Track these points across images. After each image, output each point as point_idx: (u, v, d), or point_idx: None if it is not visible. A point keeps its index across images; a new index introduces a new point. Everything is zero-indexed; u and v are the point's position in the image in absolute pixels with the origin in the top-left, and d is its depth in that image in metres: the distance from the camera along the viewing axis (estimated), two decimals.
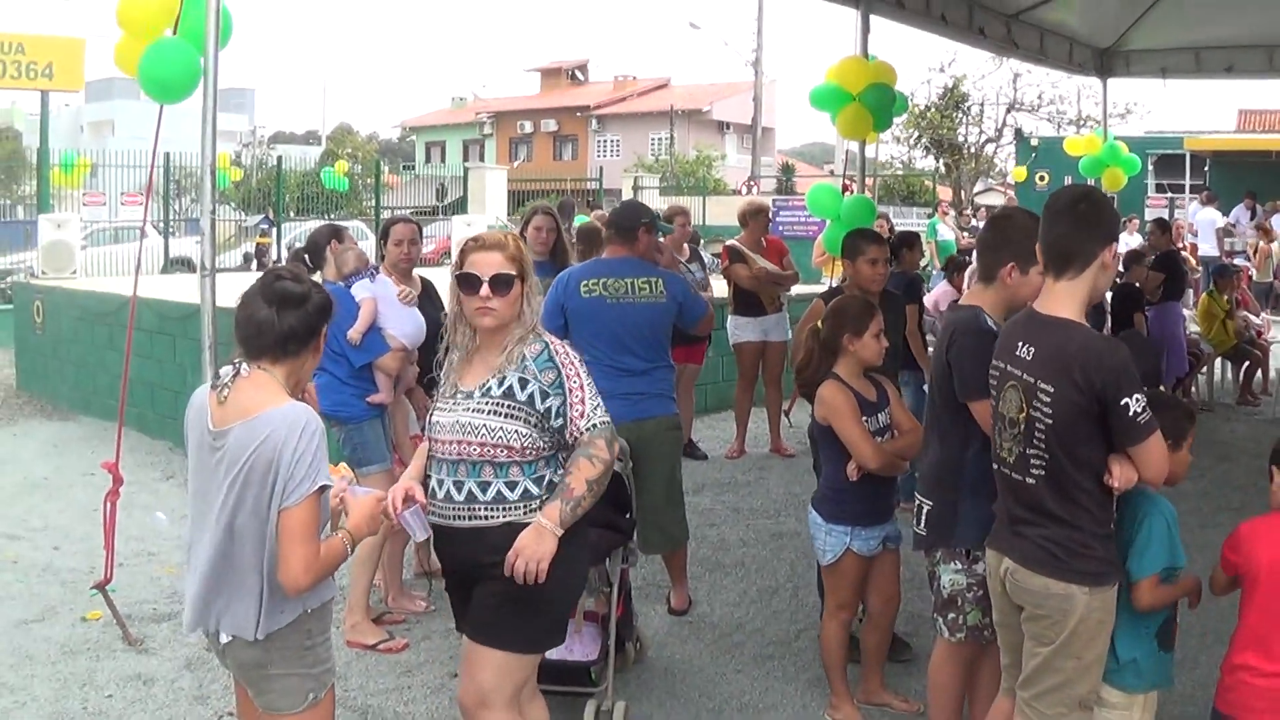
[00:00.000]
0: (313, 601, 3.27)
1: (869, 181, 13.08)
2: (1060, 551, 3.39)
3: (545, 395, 3.57)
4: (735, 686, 5.21)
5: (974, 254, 7.17)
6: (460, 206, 26.37)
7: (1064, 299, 3.42)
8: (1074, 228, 3.40)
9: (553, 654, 3.99)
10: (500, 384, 3.58)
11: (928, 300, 9.15)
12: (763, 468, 9.18)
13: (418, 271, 6.34)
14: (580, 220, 11.06)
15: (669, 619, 5.97)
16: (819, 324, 4.79)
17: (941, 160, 40.30)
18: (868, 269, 5.88)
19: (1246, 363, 12.67)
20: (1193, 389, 12.18)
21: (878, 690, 4.91)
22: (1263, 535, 3.56)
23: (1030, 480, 3.43)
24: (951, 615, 4.06)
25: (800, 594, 6.28)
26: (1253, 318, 13.47)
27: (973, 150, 40.82)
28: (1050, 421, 3.34)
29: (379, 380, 5.74)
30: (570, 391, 3.59)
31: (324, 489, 3.18)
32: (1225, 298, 12.51)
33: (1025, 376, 3.41)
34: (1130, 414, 3.27)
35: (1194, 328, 12.74)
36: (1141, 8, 11.34)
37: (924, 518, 4.09)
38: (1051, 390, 3.33)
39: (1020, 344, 3.45)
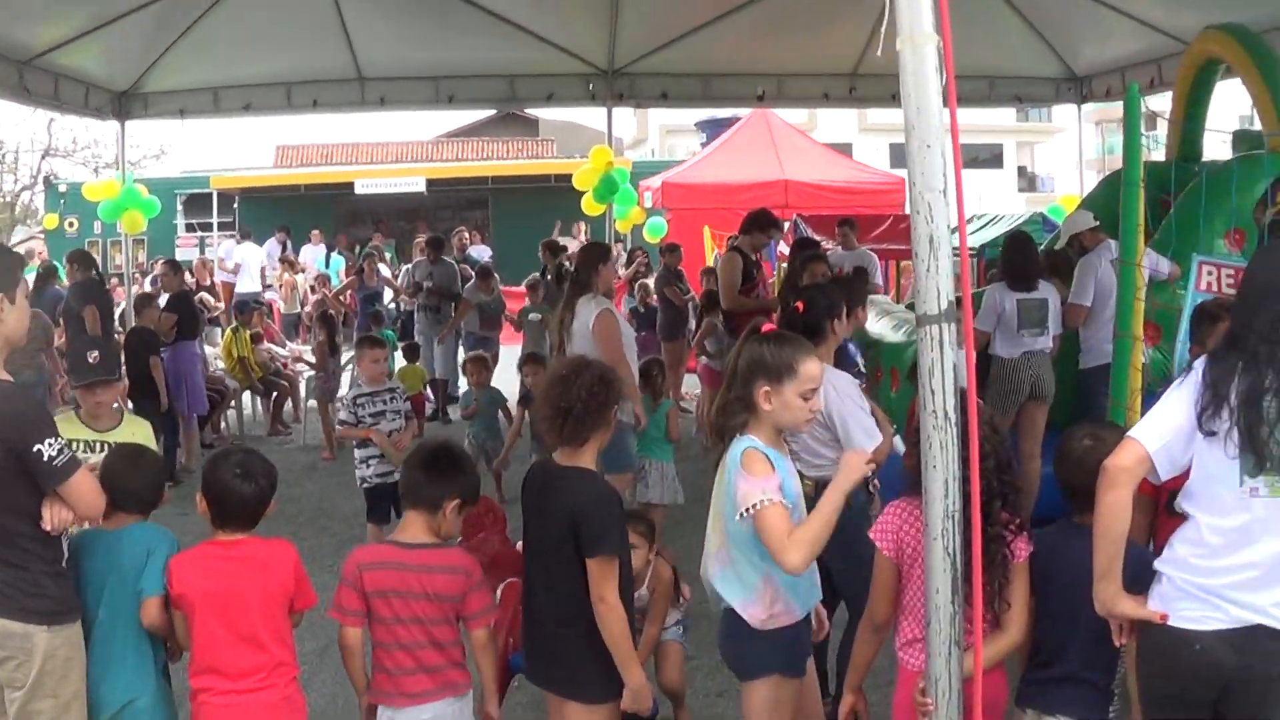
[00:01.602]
0: None
1: None
2: (13, 592, 3.46)
3: None
4: None
5: None
6: None
7: None
8: None
9: None
10: None
11: None
12: None
13: None
14: None
15: None
16: None
17: None
18: None
19: (275, 394, 13.24)
20: (221, 424, 12.65)
21: None
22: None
23: None
24: None
25: None
26: (278, 350, 14.18)
27: (8, 200, 38.43)
28: None
29: None
30: None
31: None
32: (248, 333, 13.07)
33: None
34: (45, 459, 3.40)
35: (220, 364, 13.15)
36: (158, 51, 11.51)
37: None
38: None
39: None
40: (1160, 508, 4.09)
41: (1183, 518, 3.29)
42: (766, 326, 4.00)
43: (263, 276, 21.69)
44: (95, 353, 5.21)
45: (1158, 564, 3.26)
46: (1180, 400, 3.18)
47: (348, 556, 4.02)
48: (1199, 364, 3.22)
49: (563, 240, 16.28)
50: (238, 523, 3.78)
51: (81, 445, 4.51)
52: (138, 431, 5.00)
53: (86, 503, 3.54)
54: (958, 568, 3.19)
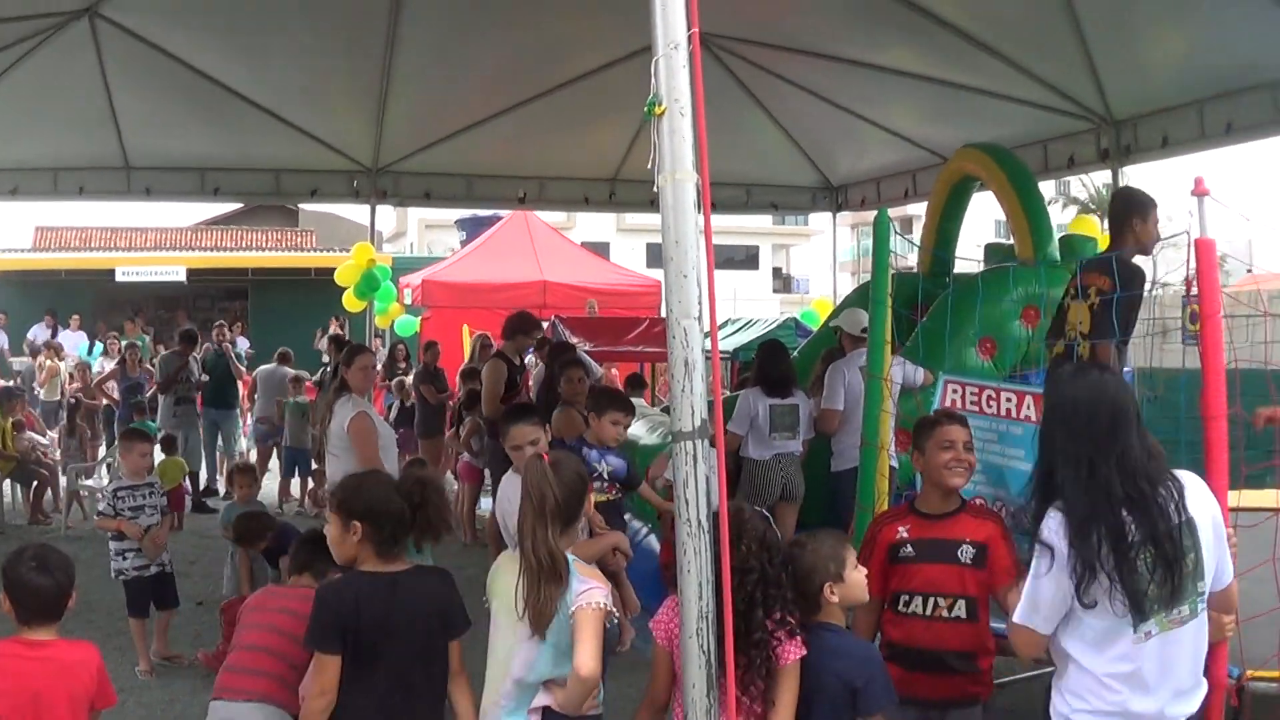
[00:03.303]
0: None
1: None
2: None
3: None
4: None
5: None
6: None
7: None
8: None
9: None
10: None
11: None
12: None
13: None
14: None
15: None
16: None
17: None
18: None
19: (35, 483, 12.79)
20: None
21: None
22: None
23: None
24: None
25: None
26: (39, 438, 13.63)
27: None
28: None
29: None
30: None
31: None
32: (9, 420, 12.52)
33: None
34: None
35: None
36: None
37: None
38: None
39: None
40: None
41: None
42: None
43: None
44: None
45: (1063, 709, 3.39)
46: (1055, 582, 3.29)
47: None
48: (1057, 538, 3.30)
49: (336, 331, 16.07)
50: (41, 618, 3.86)
51: None
52: None
53: None
54: (713, 665, 3.33)
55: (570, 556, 3.85)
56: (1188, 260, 3.86)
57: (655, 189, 3.28)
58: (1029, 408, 4.59)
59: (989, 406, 4.76)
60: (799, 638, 3.66)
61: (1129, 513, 3.23)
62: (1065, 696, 3.36)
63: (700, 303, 3.30)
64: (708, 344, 3.33)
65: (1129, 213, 6.39)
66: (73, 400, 14.97)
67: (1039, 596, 3.33)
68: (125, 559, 7.37)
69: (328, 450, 7.29)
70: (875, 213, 5.79)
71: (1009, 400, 4.71)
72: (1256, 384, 5.09)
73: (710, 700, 3.35)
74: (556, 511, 3.81)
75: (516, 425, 5.44)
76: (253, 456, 14.42)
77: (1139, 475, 3.26)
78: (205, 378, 14.10)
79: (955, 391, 5.00)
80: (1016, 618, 3.40)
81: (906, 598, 4.34)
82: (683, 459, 3.33)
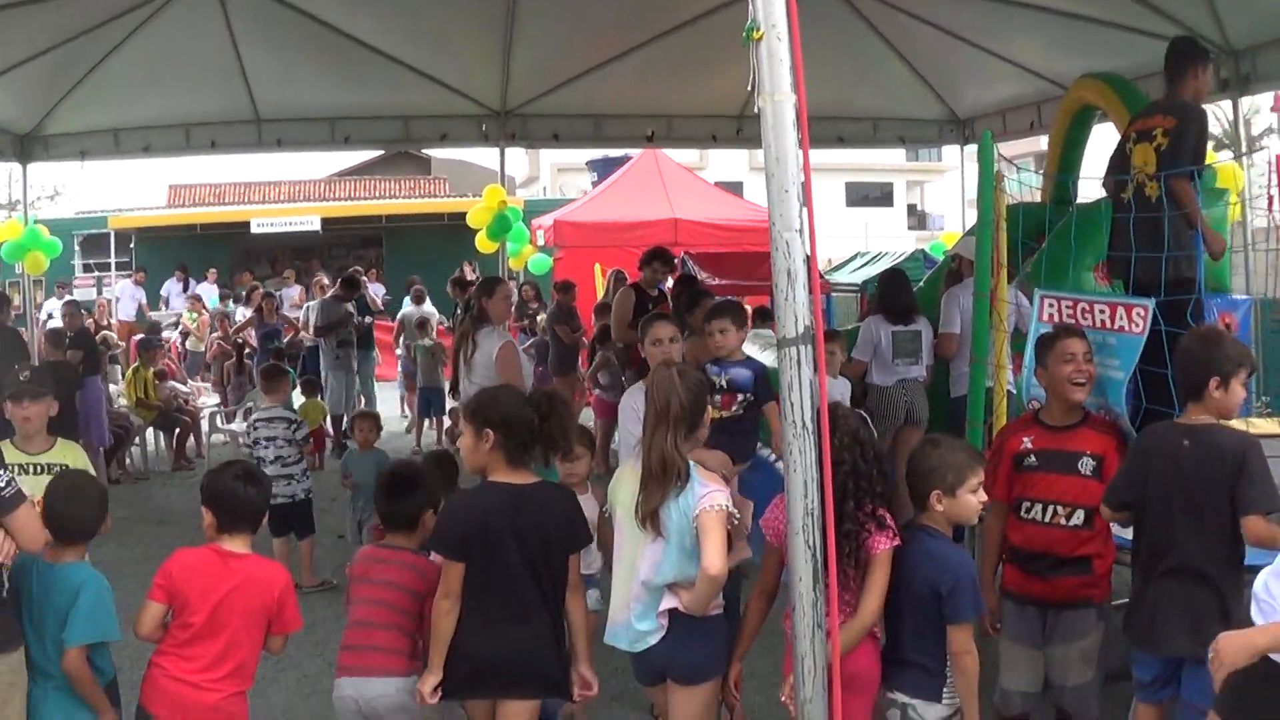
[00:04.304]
0: None
1: None
2: None
3: None
4: None
5: None
6: None
7: None
8: None
9: None
10: None
11: None
12: None
13: None
14: None
15: None
16: None
17: None
18: None
19: (177, 430, 13.36)
20: (126, 460, 12.70)
21: None
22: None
23: None
24: None
25: None
26: (180, 386, 14.26)
27: None
28: None
29: None
30: None
31: None
32: (151, 370, 13.17)
33: None
34: None
35: (123, 401, 13.20)
36: (59, 93, 11.63)
37: None
38: None
39: None
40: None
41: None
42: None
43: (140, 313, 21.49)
44: (27, 372, 5.37)
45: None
46: None
47: None
48: None
49: (470, 276, 16.53)
50: (241, 526, 4.14)
51: (15, 469, 4.62)
52: (69, 454, 5.16)
53: (29, 535, 3.70)
54: (818, 559, 3.57)
55: (692, 462, 4.07)
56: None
57: (756, 109, 3.51)
58: (1123, 318, 4.71)
59: (1084, 319, 4.89)
60: (890, 529, 3.87)
61: None
62: None
63: (801, 217, 3.52)
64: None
65: (1194, 59, 6.45)
66: (233, 345, 15.54)
67: None
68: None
69: (469, 379, 7.42)
70: (1004, 143, 5.89)
71: (1103, 312, 4.82)
72: None
73: (816, 593, 3.58)
74: (681, 416, 4.04)
75: (657, 323, 5.84)
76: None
77: None
78: (369, 319, 14.66)
79: (1052, 306, 5.13)
80: None
81: (1029, 504, 4.57)
82: (788, 364, 3.56)
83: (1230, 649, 3.16)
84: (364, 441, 8.56)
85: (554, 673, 4.15)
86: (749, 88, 3.54)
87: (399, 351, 15.90)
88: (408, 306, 16.13)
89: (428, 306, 15.80)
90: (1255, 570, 3.35)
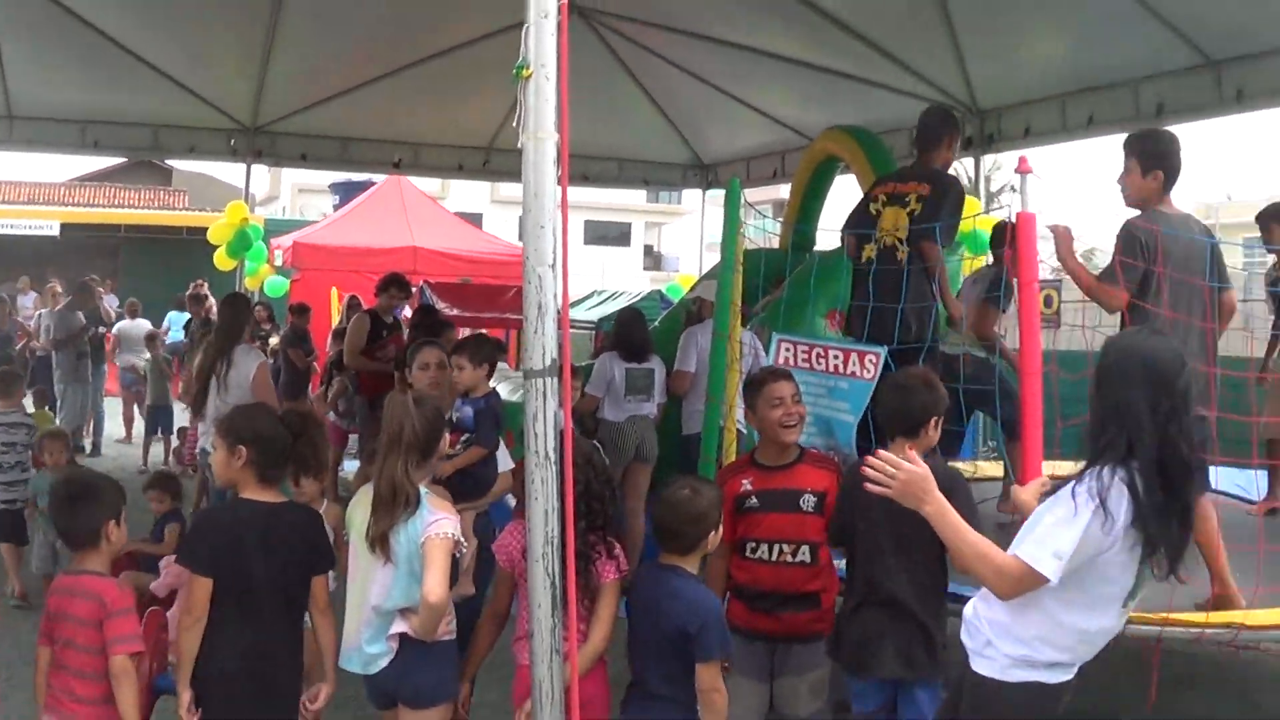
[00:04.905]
0: None
1: None
2: None
3: None
4: None
5: None
6: None
7: None
8: None
9: None
10: None
11: None
12: None
13: None
14: None
15: None
16: None
17: None
18: None
19: None
20: None
21: None
22: None
23: None
24: None
25: None
26: None
27: None
28: None
29: None
30: None
31: None
32: None
33: None
34: None
35: None
36: None
37: None
38: None
39: None
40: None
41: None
42: None
43: None
44: None
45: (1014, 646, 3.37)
46: (1096, 541, 3.17)
47: None
48: (1120, 503, 3.17)
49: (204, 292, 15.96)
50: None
51: None
52: None
53: None
54: (557, 587, 3.66)
55: (423, 489, 4.11)
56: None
57: (519, 144, 3.60)
58: (855, 364, 5.00)
59: (819, 363, 5.16)
60: (618, 560, 4.00)
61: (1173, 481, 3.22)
62: (1022, 642, 3.33)
63: (554, 253, 3.62)
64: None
65: (946, 129, 6.80)
66: None
67: (1068, 546, 3.15)
68: None
69: (221, 398, 7.10)
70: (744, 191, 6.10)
71: (836, 357, 5.11)
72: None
73: (555, 620, 3.65)
74: (413, 443, 4.09)
75: (426, 349, 5.98)
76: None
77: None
78: (104, 330, 14.14)
79: (788, 349, 5.39)
80: (1025, 557, 3.19)
81: (753, 544, 4.65)
82: (534, 395, 3.63)
83: (912, 485, 3.35)
84: (55, 463, 7.78)
85: (290, 694, 4.12)
86: (515, 124, 3.62)
87: (119, 364, 15.22)
88: (124, 320, 15.54)
89: (142, 320, 15.31)
90: (956, 598, 3.59)
